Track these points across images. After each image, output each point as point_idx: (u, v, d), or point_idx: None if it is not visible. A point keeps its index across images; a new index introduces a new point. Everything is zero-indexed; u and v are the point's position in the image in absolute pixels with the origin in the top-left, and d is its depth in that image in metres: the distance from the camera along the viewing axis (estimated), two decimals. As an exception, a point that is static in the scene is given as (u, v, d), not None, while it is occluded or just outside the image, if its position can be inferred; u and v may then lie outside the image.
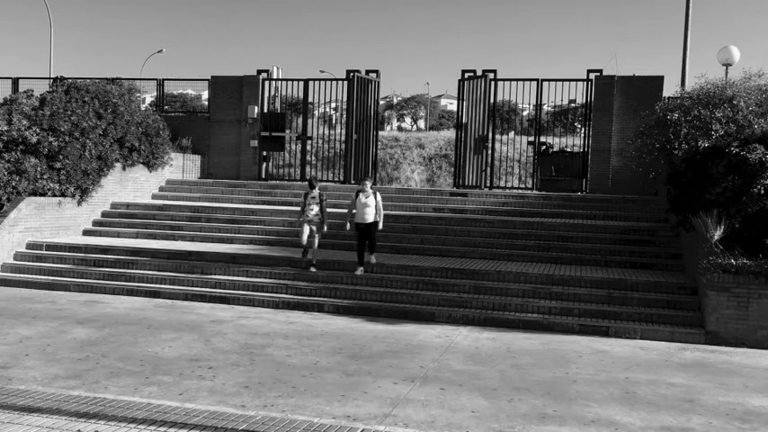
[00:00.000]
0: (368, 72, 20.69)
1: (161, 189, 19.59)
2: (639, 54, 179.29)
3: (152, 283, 13.72)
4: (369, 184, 13.65)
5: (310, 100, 21.52)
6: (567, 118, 30.35)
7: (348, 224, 13.65)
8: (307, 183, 14.51)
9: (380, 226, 13.58)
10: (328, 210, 14.12)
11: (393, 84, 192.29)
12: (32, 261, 14.86)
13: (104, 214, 17.58)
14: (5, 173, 15.23)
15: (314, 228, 13.64)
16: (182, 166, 20.43)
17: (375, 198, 13.47)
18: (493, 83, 19.56)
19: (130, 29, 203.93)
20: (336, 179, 21.49)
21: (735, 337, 11.02)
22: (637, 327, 11.37)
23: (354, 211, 13.48)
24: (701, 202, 12.33)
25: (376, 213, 13.47)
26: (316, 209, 13.62)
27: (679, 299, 12.10)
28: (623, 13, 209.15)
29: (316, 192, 13.67)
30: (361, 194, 13.46)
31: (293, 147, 23.06)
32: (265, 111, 20.90)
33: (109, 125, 17.22)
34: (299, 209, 14.59)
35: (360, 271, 13.39)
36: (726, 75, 19.58)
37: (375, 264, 13.60)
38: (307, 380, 8.26)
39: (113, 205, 17.86)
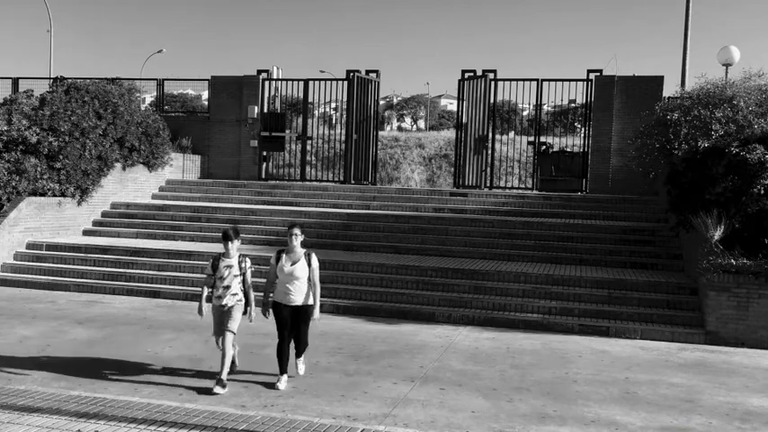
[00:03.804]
0: (368, 72, 20.70)
1: (161, 189, 19.59)
2: (639, 54, 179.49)
3: (152, 283, 13.73)
4: (299, 236, 7.96)
5: (310, 100, 21.52)
6: (567, 118, 30.34)
7: (266, 307, 8.08)
8: (221, 235, 8.19)
9: (317, 314, 8.03)
10: (248, 277, 8.08)
11: (393, 84, 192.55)
12: (32, 261, 14.86)
13: (104, 214, 17.58)
14: (5, 173, 15.23)
15: (230, 320, 7.78)
16: (182, 166, 20.43)
17: (309, 264, 7.94)
18: (493, 83, 19.56)
19: (130, 29, 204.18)
20: (336, 179, 21.49)
21: (735, 337, 11.02)
22: (637, 327, 11.38)
23: (272, 286, 8.08)
24: (700, 202, 12.33)
25: (309, 291, 7.97)
26: (236, 286, 7.88)
27: (679, 299, 12.10)
28: (623, 13, 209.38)
29: (234, 257, 7.97)
30: (283, 257, 7.97)
31: (293, 147, 23.06)
32: (265, 111, 20.90)
33: (109, 125, 17.22)
34: (204, 278, 8.29)
35: (283, 383, 7.82)
36: (726, 75, 19.60)
37: (307, 369, 8.44)
38: (306, 380, 8.25)
39: (113, 205, 17.86)
